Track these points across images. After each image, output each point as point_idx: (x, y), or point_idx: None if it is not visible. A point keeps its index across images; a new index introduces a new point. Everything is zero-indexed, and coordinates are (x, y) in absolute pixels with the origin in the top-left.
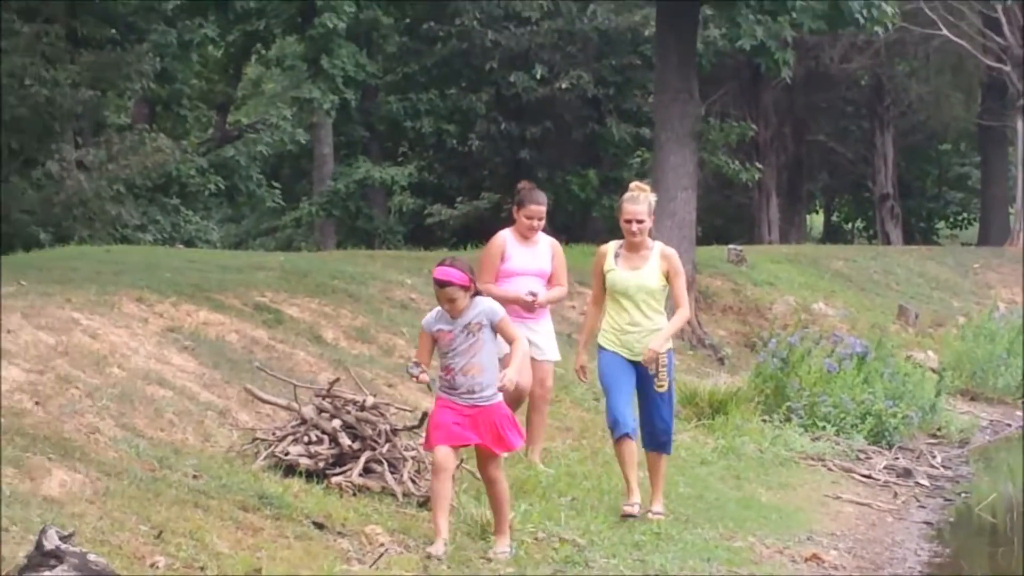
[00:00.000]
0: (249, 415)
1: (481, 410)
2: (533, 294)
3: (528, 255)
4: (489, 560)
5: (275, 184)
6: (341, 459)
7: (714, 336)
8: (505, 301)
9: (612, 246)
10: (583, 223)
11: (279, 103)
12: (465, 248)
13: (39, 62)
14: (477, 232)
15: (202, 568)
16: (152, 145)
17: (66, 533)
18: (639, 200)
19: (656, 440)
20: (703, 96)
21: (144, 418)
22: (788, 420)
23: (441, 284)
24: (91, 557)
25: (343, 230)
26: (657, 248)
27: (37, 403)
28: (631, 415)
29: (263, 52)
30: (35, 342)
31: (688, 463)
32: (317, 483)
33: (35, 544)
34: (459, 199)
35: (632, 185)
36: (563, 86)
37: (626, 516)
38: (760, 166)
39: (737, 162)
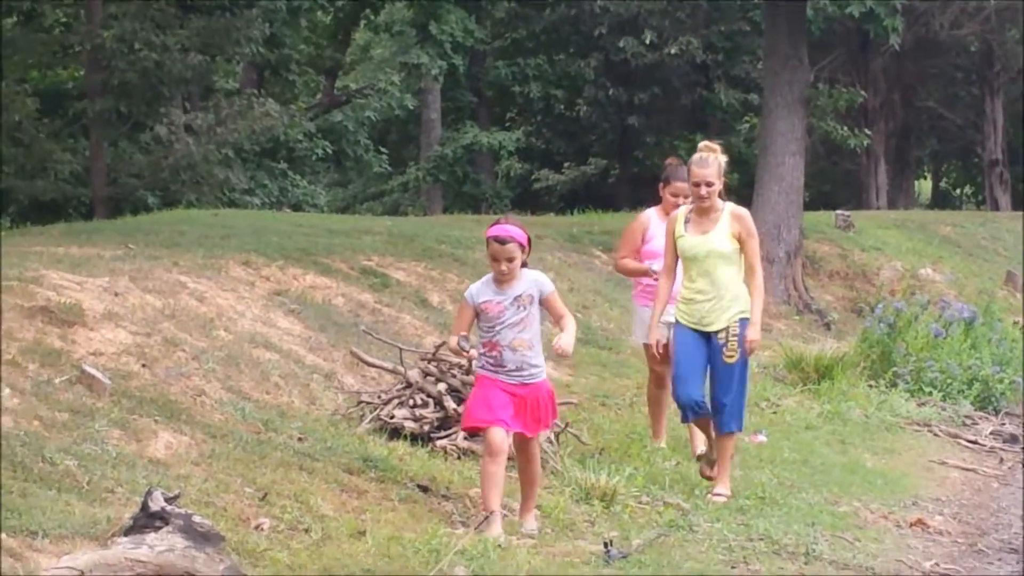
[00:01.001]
0: (355, 378)
1: (529, 388)
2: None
3: None
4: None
5: (382, 149)
6: (446, 423)
7: (821, 301)
8: (634, 273)
9: (682, 211)
10: None
11: (387, 68)
12: (572, 213)
13: (149, 27)
14: (584, 197)
15: (307, 530)
16: (260, 110)
17: (172, 495)
18: (708, 162)
19: (719, 417)
20: (812, 62)
21: (250, 381)
22: (894, 385)
23: (502, 240)
24: (196, 519)
25: (450, 195)
26: (727, 209)
27: (144, 365)
28: (699, 395)
29: (372, 18)
30: (142, 305)
31: (793, 428)
32: (422, 446)
33: (141, 505)
34: (566, 164)
35: (701, 145)
36: (672, 52)
37: (699, 458)
38: (869, 132)
39: (846, 128)
